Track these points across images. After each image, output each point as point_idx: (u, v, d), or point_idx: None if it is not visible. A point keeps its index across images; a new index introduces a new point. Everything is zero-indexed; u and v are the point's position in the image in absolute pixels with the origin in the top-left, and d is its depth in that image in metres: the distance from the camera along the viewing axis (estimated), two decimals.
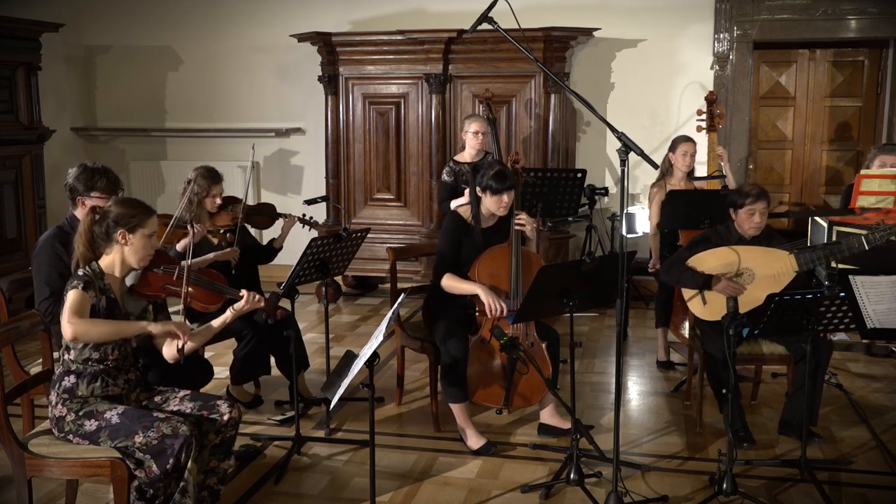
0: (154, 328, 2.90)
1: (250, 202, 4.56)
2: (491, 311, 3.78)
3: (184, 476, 2.80)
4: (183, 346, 2.95)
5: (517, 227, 3.93)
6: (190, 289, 3.11)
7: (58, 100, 7.27)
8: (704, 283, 3.84)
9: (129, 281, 3.02)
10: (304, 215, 4.52)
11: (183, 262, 3.09)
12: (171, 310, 3.36)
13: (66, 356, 2.89)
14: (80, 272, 2.86)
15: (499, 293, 3.89)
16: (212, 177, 4.29)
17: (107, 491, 3.35)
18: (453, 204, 5.03)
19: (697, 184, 5.19)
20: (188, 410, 3.01)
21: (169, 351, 3.04)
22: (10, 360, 3.51)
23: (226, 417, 3.00)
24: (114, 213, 2.90)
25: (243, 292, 3.16)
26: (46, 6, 6.86)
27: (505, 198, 3.88)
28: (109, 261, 2.93)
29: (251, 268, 4.49)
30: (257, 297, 3.19)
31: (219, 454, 3.04)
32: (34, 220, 6.32)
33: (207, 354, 4.86)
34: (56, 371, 2.95)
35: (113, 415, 2.84)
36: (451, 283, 3.94)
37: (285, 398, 4.46)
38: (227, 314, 3.12)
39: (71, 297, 2.78)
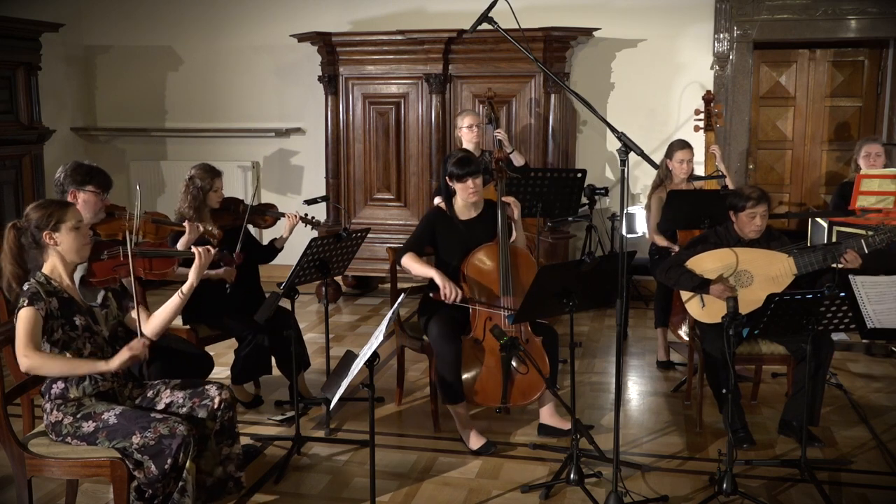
0: (111, 365, 2.81)
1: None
2: (446, 295, 3.81)
3: (182, 476, 2.80)
4: (144, 362, 2.97)
5: (506, 200, 3.95)
6: (141, 263, 3.09)
7: (58, 100, 7.26)
8: (701, 286, 3.84)
9: (77, 274, 2.99)
10: (306, 215, 4.51)
11: (179, 244, 3.06)
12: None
13: None
14: (25, 286, 2.80)
15: (490, 291, 3.89)
16: (212, 171, 4.29)
17: (107, 491, 3.35)
18: (437, 200, 5.07)
19: (697, 184, 5.19)
20: (180, 400, 3.01)
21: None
22: (10, 360, 3.51)
23: (216, 401, 3.00)
24: (33, 219, 2.86)
25: (194, 249, 3.12)
26: (46, 6, 6.86)
27: (470, 183, 3.90)
28: (51, 266, 2.89)
29: (252, 267, 4.49)
30: (209, 249, 3.15)
31: (225, 440, 3.04)
32: None
33: None
34: (45, 380, 2.92)
35: (110, 416, 2.84)
36: (409, 262, 4.01)
37: (285, 398, 4.46)
38: (190, 279, 3.06)
39: (21, 321, 2.72)
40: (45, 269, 2.88)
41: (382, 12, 6.98)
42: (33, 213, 2.87)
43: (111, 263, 3.06)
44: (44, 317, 2.77)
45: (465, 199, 3.96)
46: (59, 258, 2.88)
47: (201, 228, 3.99)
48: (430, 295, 3.93)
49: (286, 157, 7.41)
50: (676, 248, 4.88)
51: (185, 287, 3.06)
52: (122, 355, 2.82)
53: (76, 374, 2.83)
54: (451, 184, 3.97)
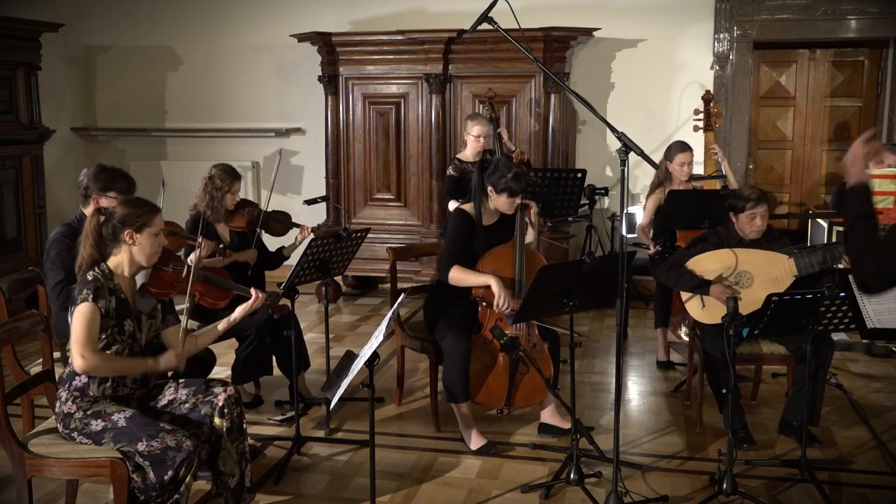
0: (159, 366, 2.92)
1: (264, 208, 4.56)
2: (500, 304, 3.77)
3: (179, 489, 2.79)
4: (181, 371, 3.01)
5: (527, 208, 3.95)
6: (199, 286, 3.13)
7: (58, 100, 7.26)
8: (701, 286, 3.84)
9: (139, 279, 3.02)
10: (318, 227, 4.53)
11: (190, 259, 3.11)
12: (177, 307, 3.37)
13: None
14: (90, 276, 2.84)
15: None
16: (232, 173, 4.37)
17: (107, 491, 3.35)
18: (452, 204, 5.04)
19: (696, 184, 5.19)
20: (183, 396, 3.02)
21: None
22: (10, 360, 3.51)
23: (221, 398, 3.00)
24: (119, 213, 2.90)
25: (253, 291, 3.19)
26: (46, 6, 6.86)
27: (518, 199, 3.90)
28: (118, 261, 2.92)
29: (259, 272, 4.51)
30: (266, 295, 3.23)
31: (239, 438, 3.04)
32: (34, 220, 6.32)
33: None
34: (65, 369, 2.94)
35: (120, 418, 2.84)
36: (460, 275, 3.90)
37: (285, 398, 4.46)
38: (235, 314, 3.17)
39: (81, 316, 2.76)
40: (112, 264, 2.92)
41: (382, 12, 6.99)
42: (123, 207, 2.92)
43: (172, 277, 3.08)
44: (102, 316, 2.81)
45: (506, 210, 3.93)
46: (128, 257, 2.92)
47: (214, 246, 4.01)
48: (482, 305, 3.87)
49: (286, 157, 7.41)
50: (652, 247, 4.92)
51: (228, 319, 3.17)
52: (170, 359, 2.93)
53: (128, 374, 2.89)
54: (493, 193, 3.90)
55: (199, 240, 3.80)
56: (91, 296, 2.78)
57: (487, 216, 4.00)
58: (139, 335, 2.97)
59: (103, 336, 2.84)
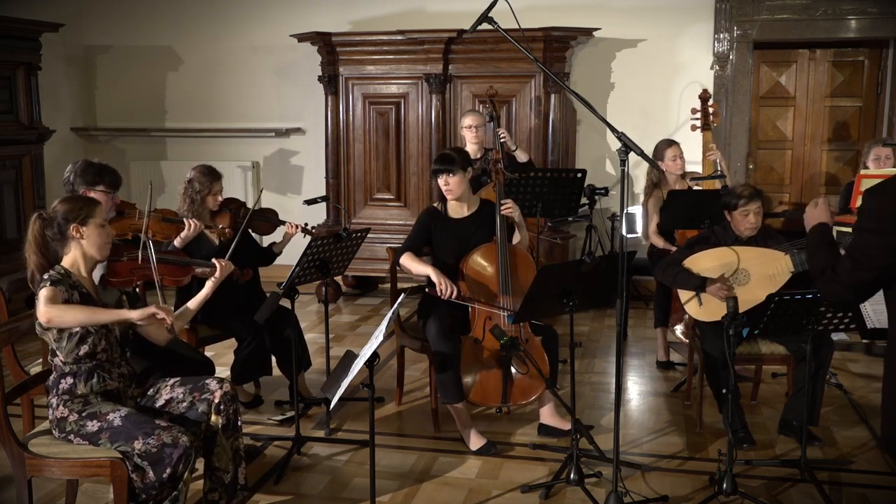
0: (134, 315, 2.86)
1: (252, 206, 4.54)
2: (442, 291, 3.83)
3: (178, 486, 2.79)
4: (172, 324, 2.96)
5: (504, 212, 3.95)
6: (158, 268, 3.13)
7: (57, 100, 7.26)
8: (699, 285, 3.84)
9: (97, 274, 3.03)
10: (306, 224, 4.48)
11: (143, 238, 3.13)
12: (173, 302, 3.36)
13: (56, 360, 2.89)
14: (46, 275, 2.85)
15: (489, 291, 3.90)
16: (211, 174, 4.28)
17: (107, 491, 3.35)
18: None
19: (691, 183, 5.19)
20: (180, 395, 3.02)
21: (159, 334, 3.09)
22: (10, 360, 3.51)
23: (217, 395, 3.01)
24: (61, 211, 2.90)
25: (215, 261, 3.24)
26: (46, 6, 6.86)
27: (442, 180, 3.95)
28: (71, 260, 2.92)
29: (253, 268, 4.49)
30: (229, 263, 3.28)
31: (234, 434, 3.05)
32: None
33: (208, 354, 4.86)
34: (50, 376, 2.94)
35: (115, 417, 2.84)
36: (407, 261, 4.05)
37: (285, 398, 4.46)
38: (206, 289, 3.20)
39: (42, 293, 2.79)
40: (66, 263, 2.92)
41: (382, 12, 6.98)
42: (62, 205, 2.92)
43: (130, 266, 3.10)
44: (65, 302, 2.80)
45: (444, 192, 3.99)
46: (80, 253, 2.92)
47: (201, 226, 4.00)
48: (427, 290, 3.98)
49: (286, 157, 7.41)
50: (674, 250, 4.89)
51: (200, 296, 3.19)
52: (148, 309, 2.87)
53: (97, 321, 2.83)
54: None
55: (188, 221, 3.88)
56: (49, 283, 2.80)
57: (454, 209, 4.07)
58: (112, 325, 2.95)
59: (75, 329, 2.83)
